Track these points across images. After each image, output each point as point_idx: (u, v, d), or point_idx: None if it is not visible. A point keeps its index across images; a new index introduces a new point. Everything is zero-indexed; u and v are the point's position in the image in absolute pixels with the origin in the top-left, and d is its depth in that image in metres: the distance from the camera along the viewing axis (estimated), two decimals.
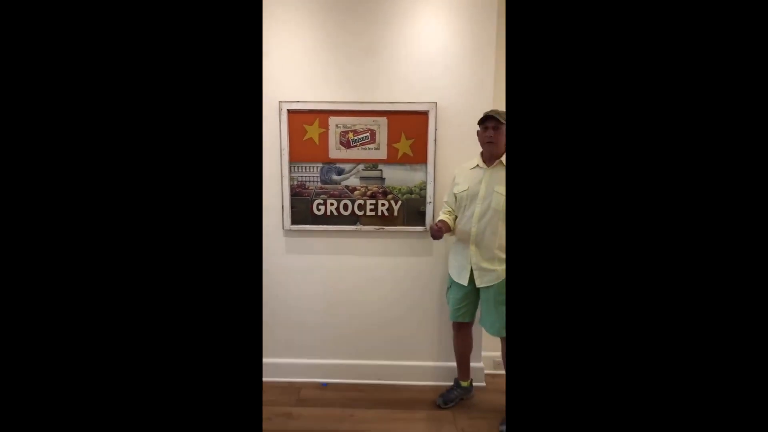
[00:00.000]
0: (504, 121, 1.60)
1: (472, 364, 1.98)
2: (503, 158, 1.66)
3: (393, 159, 1.92)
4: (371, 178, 1.95)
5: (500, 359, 1.87)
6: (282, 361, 2.08)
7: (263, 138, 1.88)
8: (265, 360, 2.05)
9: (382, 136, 1.91)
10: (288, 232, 1.99)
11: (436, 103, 1.87)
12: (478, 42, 1.85)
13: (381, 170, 1.94)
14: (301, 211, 1.97)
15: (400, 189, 1.95)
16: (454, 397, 1.90)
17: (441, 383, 2.03)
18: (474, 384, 1.98)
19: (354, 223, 1.97)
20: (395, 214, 1.96)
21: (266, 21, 1.84)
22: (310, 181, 1.95)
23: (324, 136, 1.92)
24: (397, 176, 1.94)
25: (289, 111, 1.89)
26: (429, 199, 1.93)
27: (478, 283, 1.69)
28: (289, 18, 1.85)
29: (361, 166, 1.94)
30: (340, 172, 1.95)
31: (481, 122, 1.64)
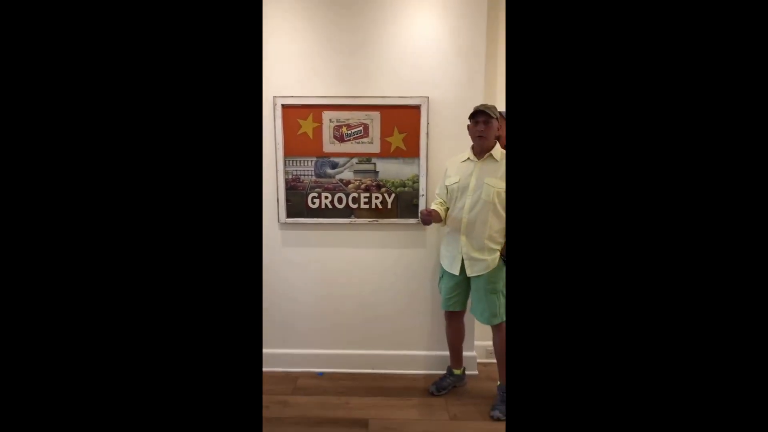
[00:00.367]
0: (493, 115, 1.64)
1: (465, 353, 2.03)
2: (493, 151, 1.70)
3: (386, 153, 1.96)
4: (365, 172, 1.98)
5: (492, 348, 1.91)
6: (279, 351, 2.12)
7: None
8: (262, 350, 2.10)
9: (375, 130, 1.94)
10: (283, 225, 2.03)
11: (428, 97, 1.90)
12: (469, 37, 1.88)
13: (374, 164, 1.97)
14: (296, 204, 2.01)
15: (393, 182, 1.98)
16: (447, 384, 1.95)
17: (434, 372, 2.08)
18: (467, 372, 2.03)
19: (348, 216, 2.01)
20: (389, 206, 2.00)
21: None
22: (304, 175, 1.99)
23: (318, 131, 1.95)
24: (390, 169, 1.98)
25: (283, 106, 1.92)
26: (422, 191, 1.97)
27: (469, 273, 1.74)
28: (283, 14, 1.87)
29: (354, 160, 1.97)
30: (334, 165, 1.98)
31: (472, 117, 1.68)
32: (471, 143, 1.75)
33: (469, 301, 1.87)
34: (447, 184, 1.80)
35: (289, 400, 1.90)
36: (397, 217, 2.01)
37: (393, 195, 1.99)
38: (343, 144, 1.96)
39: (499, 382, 1.85)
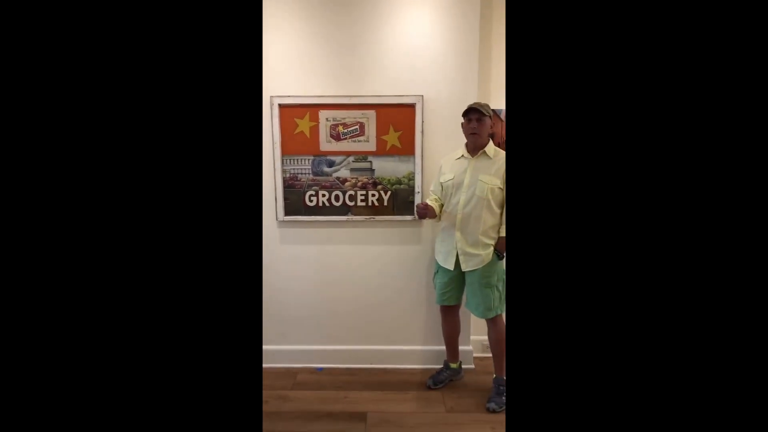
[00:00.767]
0: (486, 113, 1.67)
1: (462, 348, 2.06)
2: (486, 148, 1.73)
3: (382, 151, 1.99)
4: (361, 170, 2.01)
5: (488, 342, 1.95)
6: (278, 347, 2.16)
7: None
8: (262, 346, 2.13)
9: (371, 129, 1.97)
10: (281, 223, 2.06)
11: (422, 95, 1.93)
12: (462, 36, 1.91)
13: (370, 162, 2.00)
14: (294, 202, 2.04)
15: (389, 179, 2.01)
16: (444, 378, 1.99)
17: (431, 366, 2.11)
18: (463, 366, 2.07)
19: (345, 214, 2.04)
20: (385, 204, 2.03)
21: None
22: (302, 173, 2.02)
23: (315, 130, 1.98)
24: (386, 167, 2.01)
25: (280, 105, 1.95)
26: (417, 188, 2.00)
27: (464, 267, 1.77)
28: (279, 14, 1.90)
29: (351, 158, 2.00)
30: (331, 164, 2.01)
31: (465, 114, 1.71)
32: (465, 141, 1.78)
33: (464, 296, 1.90)
34: (442, 181, 1.83)
35: (289, 394, 1.94)
36: (393, 214, 2.04)
37: (389, 192, 2.02)
38: (339, 142, 1.99)
39: (495, 375, 1.89)
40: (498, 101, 2.07)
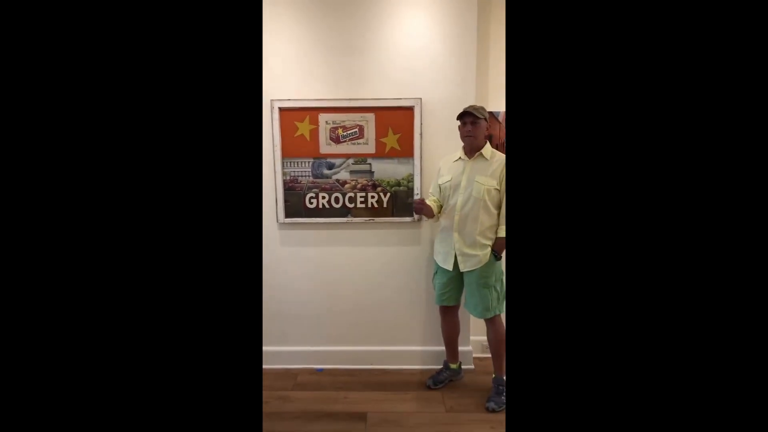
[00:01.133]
0: (480, 116, 1.69)
1: (461, 348, 2.07)
2: (483, 150, 1.76)
3: (381, 153, 2.01)
4: (361, 172, 2.04)
5: (487, 343, 1.96)
6: (279, 348, 2.17)
7: None
8: (263, 348, 2.14)
9: (370, 132, 2.00)
10: (282, 225, 2.08)
11: (420, 98, 1.95)
12: (459, 39, 1.93)
13: (370, 164, 2.03)
14: (294, 204, 2.06)
15: (388, 181, 2.04)
16: (444, 378, 2.00)
17: (431, 366, 2.13)
18: (463, 367, 2.08)
19: (345, 215, 2.06)
20: (384, 205, 2.05)
21: None
22: (302, 176, 2.04)
23: (314, 133, 2.00)
24: (385, 169, 2.03)
25: (280, 109, 1.97)
26: (416, 190, 2.02)
27: (462, 268, 1.79)
28: (279, 19, 1.93)
29: (350, 161, 2.03)
30: (330, 166, 2.03)
31: (459, 118, 1.73)
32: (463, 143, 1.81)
33: (463, 296, 1.92)
34: (440, 183, 1.85)
35: (290, 395, 1.95)
36: (392, 215, 2.06)
37: (388, 194, 2.04)
38: (339, 145, 2.01)
39: (494, 375, 1.90)
40: (495, 103, 2.09)
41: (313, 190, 2.05)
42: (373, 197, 2.05)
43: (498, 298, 1.80)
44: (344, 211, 2.06)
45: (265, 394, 1.93)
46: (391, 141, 2.00)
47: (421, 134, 1.98)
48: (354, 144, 2.01)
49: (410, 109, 1.97)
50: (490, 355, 1.96)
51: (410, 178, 2.02)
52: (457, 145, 1.85)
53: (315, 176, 2.04)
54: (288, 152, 2.02)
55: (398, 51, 1.95)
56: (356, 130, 2.00)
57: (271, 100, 1.96)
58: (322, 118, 1.99)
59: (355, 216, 2.06)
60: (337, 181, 2.04)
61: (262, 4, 1.86)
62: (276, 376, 2.10)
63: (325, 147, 2.01)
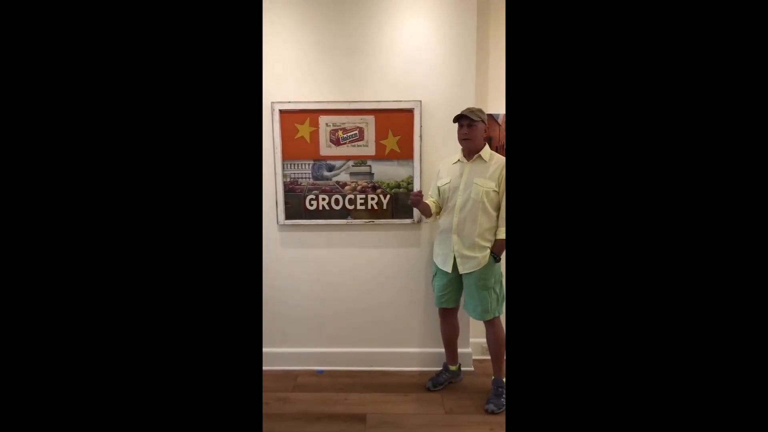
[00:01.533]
0: (476, 119, 1.70)
1: (461, 350, 2.08)
2: (482, 152, 1.76)
3: (381, 155, 2.02)
4: (361, 174, 2.04)
5: (486, 345, 1.96)
6: (279, 350, 2.17)
7: None
8: (263, 349, 2.15)
9: (370, 134, 2.01)
10: (282, 227, 2.09)
11: (420, 101, 1.96)
12: (459, 41, 1.94)
13: (370, 166, 2.03)
14: (295, 206, 2.07)
15: (388, 183, 2.04)
16: (443, 380, 2.00)
17: (430, 368, 2.13)
18: (463, 368, 2.08)
19: (345, 217, 2.07)
20: (384, 207, 2.06)
21: None
22: (302, 178, 2.05)
23: (315, 135, 2.01)
24: (385, 171, 2.04)
25: (281, 111, 1.98)
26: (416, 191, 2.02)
27: (461, 270, 1.79)
28: (280, 21, 1.94)
29: (350, 163, 2.03)
30: (330, 168, 2.04)
31: (456, 121, 1.74)
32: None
33: (462, 298, 1.92)
34: (439, 185, 1.86)
35: (290, 396, 1.95)
36: (392, 217, 2.06)
37: (388, 196, 2.05)
38: (339, 147, 2.02)
39: (493, 377, 1.90)
40: (495, 106, 2.10)
41: (313, 191, 2.06)
42: (372, 199, 2.05)
43: (497, 300, 1.80)
44: (344, 213, 2.07)
45: (265, 395, 1.94)
46: (391, 143, 2.01)
47: (420, 136, 1.99)
48: (354, 146, 2.02)
49: (410, 111, 1.97)
50: (489, 357, 1.96)
51: (410, 180, 2.03)
52: (457, 147, 1.85)
53: (315, 178, 2.05)
54: (288, 154, 2.03)
55: (398, 53, 1.96)
56: (356, 132, 2.01)
57: (272, 102, 1.97)
58: (323, 120, 2.00)
59: (355, 218, 2.07)
60: (337, 182, 2.05)
61: (262, 6, 1.87)
62: (276, 377, 2.11)
63: (326, 149, 2.02)
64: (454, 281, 1.86)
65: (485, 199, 1.72)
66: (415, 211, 2.03)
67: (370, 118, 1.99)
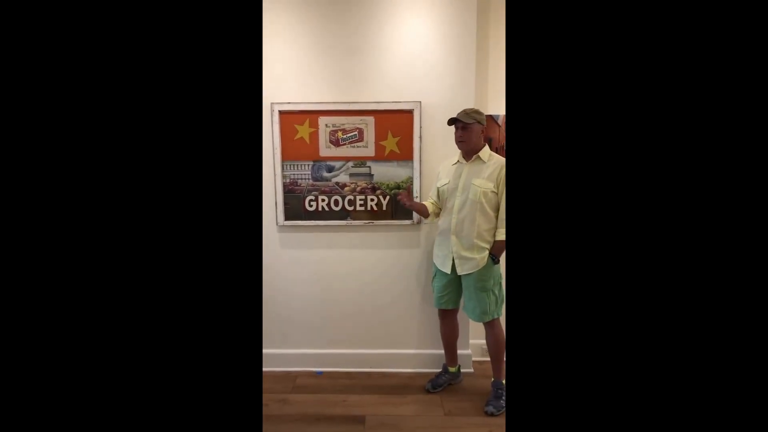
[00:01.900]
0: (470, 121, 1.69)
1: (460, 352, 2.07)
2: (481, 153, 1.76)
3: (380, 156, 2.02)
4: (360, 175, 2.04)
5: (486, 346, 1.95)
6: (278, 351, 2.17)
7: None
8: (262, 350, 2.14)
9: (370, 135, 2.00)
10: (282, 228, 2.09)
11: (420, 101, 1.96)
12: (459, 42, 1.94)
13: (369, 167, 2.03)
14: (294, 207, 2.06)
15: (388, 184, 2.04)
16: (443, 382, 2.00)
17: (430, 370, 2.12)
18: (462, 370, 2.08)
19: (345, 218, 2.07)
20: (384, 208, 2.05)
21: None
22: (302, 179, 2.05)
23: (314, 136, 2.01)
24: (384, 172, 2.03)
25: (280, 112, 1.98)
26: (416, 193, 2.02)
27: (459, 271, 1.79)
28: (280, 22, 1.94)
29: (350, 164, 2.03)
30: (330, 169, 2.04)
31: (450, 124, 1.74)
32: None
33: (461, 299, 1.92)
34: (438, 186, 1.86)
35: (289, 398, 1.95)
36: (392, 218, 2.06)
37: (388, 197, 2.05)
38: (338, 148, 2.02)
39: (493, 379, 1.89)
40: (495, 107, 2.10)
41: (313, 192, 2.05)
42: (372, 200, 2.05)
43: (496, 302, 1.80)
44: (344, 214, 2.06)
45: (264, 396, 1.93)
46: (391, 144, 2.01)
47: (420, 137, 1.98)
48: (353, 147, 2.02)
49: (410, 112, 1.97)
50: (489, 359, 1.95)
51: (410, 181, 2.03)
52: (456, 148, 1.85)
53: (315, 179, 2.04)
54: (288, 155, 2.03)
55: (398, 54, 1.95)
56: (356, 133, 2.01)
57: (271, 103, 1.97)
58: (322, 121, 2.00)
59: (354, 219, 2.06)
60: (337, 183, 2.05)
61: (262, 8, 1.87)
62: (275, 378, 2.10)
63: (325, 150, 2.02)
64: (454, 282, 1.86)
65: (483, 200, 1.72)
66: (415, 213, 2.02)
67: (370, 119, 1.99)
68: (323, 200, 2.06)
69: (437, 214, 1.90)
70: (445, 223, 1.82)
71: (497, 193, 1.73)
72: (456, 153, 1.84)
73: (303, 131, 2.01)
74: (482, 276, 1.75)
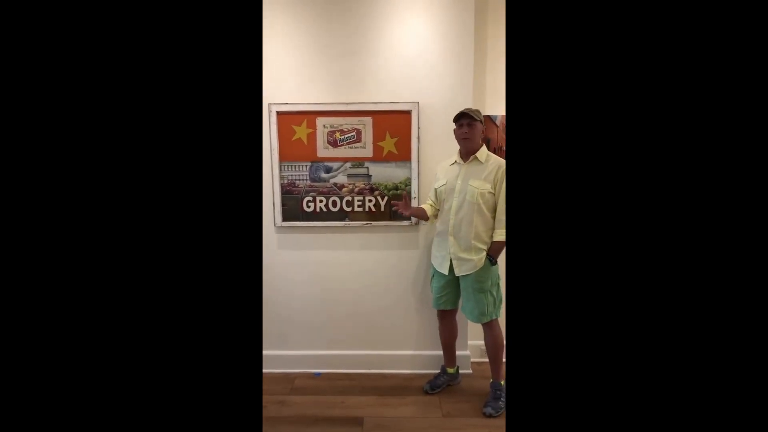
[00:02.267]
0: (477, 119, 1.69)
1: (459, 353, 2.06)
2: (478, 154, 1.75)
3: (378, 157, 2.01)
4: (358, 176, 2.04)
5: (485, 347, 1.95)
6: (277, 353, 2.16)
7: None
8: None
9: (368, 135, 2.00)
10: (279, 229, 2.08)
11: (418, 102, 1.95)
12: (456, 43, 1.93)
13: (367, 168, 2.03)
14: (292, 208, 2.06)
15: (386, 185, 2.03)
16: (441, 383, 1.99)
17: (428, 371, 2.12)
18: (461, 371, 2.07)
19: (343, 219, 2.06)
20: (382, 209, 2.05)
21: None
22: (299, 180, 2.04)
23: (312, 136, 2.01)
24: (382, 173, 2.03)
25: (278, 113, 1.98)
26: (414, 194, 2.02)
27: (457, 272, 1.78)
28: (277, 23, 1.93)
29: (348, 164, 2.03)
30: (328, 170, 2.03)
31: (456, 120, 1.73)
32: (459, 147, 1.80)
33: (460, 300, 1.91)
34: (436, 187, 1.86)
35: (287, 399, 1.94)
36: (390, 219, 2.05)
37: (386, 198, 2.04)
38: (336, 149, 2.01)
39: (491, 380, 1.89)
40: (492, 108, 2.09)
41: (311, 193, 2.05)
42: (370, 201, 2.04)
43: (494, 303, 1.79)
44: (342, 215, 2.06)
45: (262, 398, 1.93)
46: (389, 145, 2.00)
47: (418, 138, 1.98)
48: (351, 148, 2.01)
49: (408, 113, 1.97)
50: (487, 360, 1.95)
51: (408, 182, 2.02)
52: (454, 149, 1.84)
53: (312, 180, 2.04)
54: (285, 156, 2.02)
55: (396, 55, 1.95)
56: (354, 133, 2.00)
57: (269, 104, 1.96)
58: (320, 121, 1.99)
59: (352, 220, 2.06)
60: (335, 184, 2.04)
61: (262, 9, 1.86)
62: (273, 380, 2.10)
63: (323, 151, 2.01)
64: (452, 283, 1.85)
65: (480, 201, 1.71)
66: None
67: (368, 120, 1.99)
68: (321, 201, 2.05)
69: (436, 216, 1.89)
70: (443, 225, 1.82)
71: (494, 194, 1.73)
72: (454, 153, 1.84)
73: (301, 132, 2.00)
74: (480, 277, 1.75)
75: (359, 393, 1.98)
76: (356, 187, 2.04)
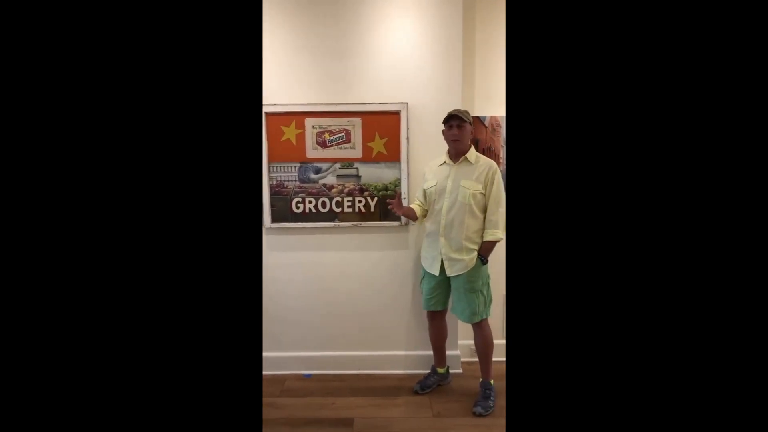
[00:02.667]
0: (466, 120, 1.70)
1: (449, 352, 2.07)
2: (468, 155, 1.76)
3: (368, 157, 2.01)
4: (348, 176, 2.03)
5: (474, 347, 1.96)
6: (266, 354, 2.15)
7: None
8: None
9: (357, 136, 2.00)
10: (269, 230, 2.07)
11: (407, 103, 1.96)
12: (445, 44, 1.94)
13: (357, 168, 2.02)
14: (281, 209, 2.05)
15: (375, 186, 2.03)
16: (431, 383, 2.00)
17: (419, 371, 2.12)
18: (451, 371, 2.08)
19: (332, 220, 2.06)
20: (372, 210, 2.05)
21: None
22: (288, 180, 2.03)
23: (301, 137, 2.00)
24: (372, 174, 2.03)
25: (266, 113, 1.96)
26: (404, 194, 2.02)
27: (448, 273, 1.79)
28: (266, 23, 1.92)
29: (337, 165, 2.02)
30: (317, 171, 2.03)
31: (446, 121, 1.74)
32: (447, 147, 1.81)
33: (450, 301, 1.92)
34: (425, 187, 1.86)
35: (277, 401, 1.93)
36: (380, 219, 2.05)
37: (375, 198, 2.04)
38: (325, 150, 2.01)
39: (481, 379, 1.90)
40: (481, 108, 2.10)
41: (300, 194, 2.04)
42: (360, 201, 2.04)
43: (485, 303, 1.80)
44: (331, 216, 2.05)
45: None
46: (378, 145, 2.00)
47: (407, 138, 1.98)
48: (341, 148, 2.01)
49: (397, 113, 1.97)
50: (477, 359, 1.95)
51: (397, 182, 2.02)
52: (443, 149, 1.85)
53: (301, 181, 2.03)
54: (274, 157, 2.01)
55: (384, 55, 1.95)
56: (343, 134, 2.00)
57: None
58: (309, 122, 1.99)
59: (342, 220, 2.05)
60: (324, 185, 2.03)
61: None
62: (264, 382, 2.08)
63: (312, 151, 2.01)
64: (442, 284, 1.86)
65: (472, 202, 1.72)
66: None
67: (357, 121, 1.98)
68: (310, 202, 2.04)
69: (425, 216, 1.90)
70: (434, 225, 1.82)
71: (485, 195, 1.74)
72: (442, 153, 1.84)
73: (289, 133, 1.99)
74: (471, 277, 1.76)
75: (349, 394, 1.98)
76: (346, 187, 2.03)
